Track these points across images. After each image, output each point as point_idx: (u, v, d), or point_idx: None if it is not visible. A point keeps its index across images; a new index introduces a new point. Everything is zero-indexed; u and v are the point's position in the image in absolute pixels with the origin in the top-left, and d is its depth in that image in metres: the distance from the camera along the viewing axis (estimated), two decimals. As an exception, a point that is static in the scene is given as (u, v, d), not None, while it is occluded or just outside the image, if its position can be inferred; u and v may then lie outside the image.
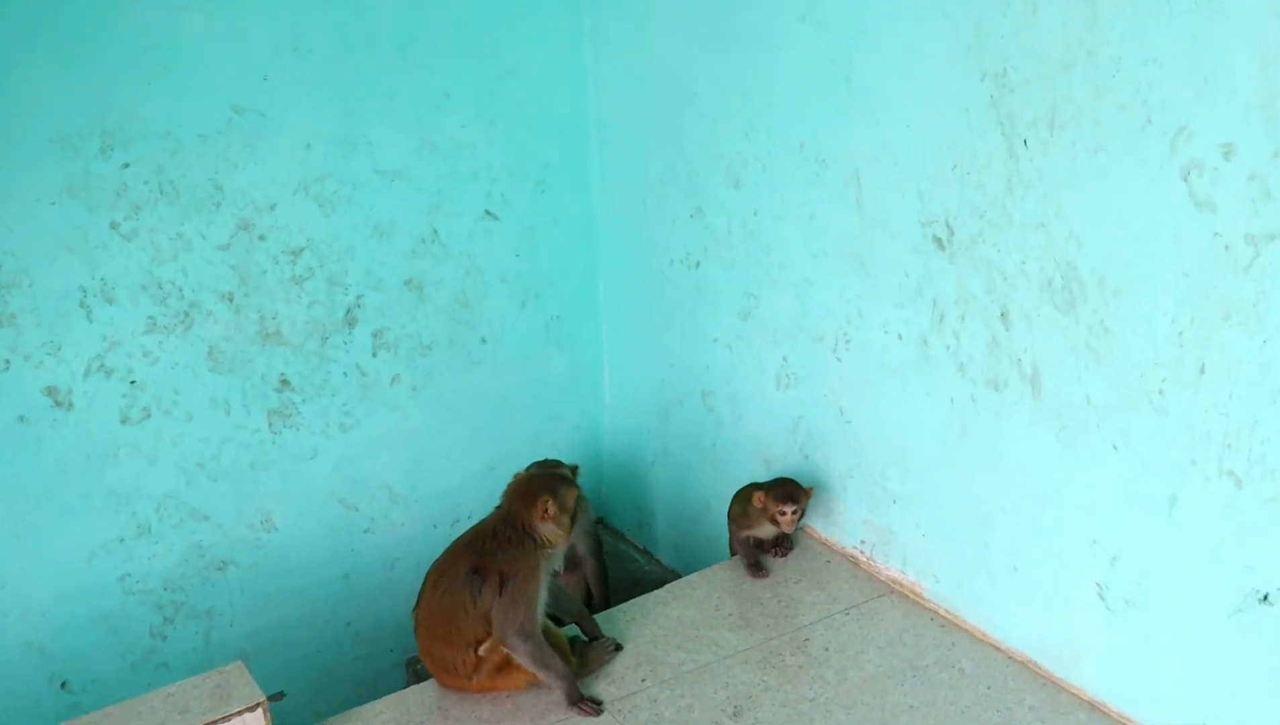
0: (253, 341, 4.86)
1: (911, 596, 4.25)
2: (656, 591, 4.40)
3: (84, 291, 4.48)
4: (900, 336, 4.05)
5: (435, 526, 5.51)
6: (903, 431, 4.15)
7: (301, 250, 4.87)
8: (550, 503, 3.81)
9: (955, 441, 3.93)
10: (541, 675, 3.76)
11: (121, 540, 4.76)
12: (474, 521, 5.21)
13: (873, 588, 4.31)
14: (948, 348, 3.88)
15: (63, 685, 4.76)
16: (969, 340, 3.80)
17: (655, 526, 5.74)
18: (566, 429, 5.84)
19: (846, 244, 4.19)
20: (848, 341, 4.28)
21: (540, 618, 3.77)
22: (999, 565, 3.89)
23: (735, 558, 4.59)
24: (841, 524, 4.54)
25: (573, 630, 4.15)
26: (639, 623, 4.21)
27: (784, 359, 4.61)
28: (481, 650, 3.76)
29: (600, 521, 6.09)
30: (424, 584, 3.92)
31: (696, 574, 4.50)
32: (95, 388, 4.58)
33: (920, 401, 4.04)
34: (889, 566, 4.35)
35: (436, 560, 3.94)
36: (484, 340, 5.41)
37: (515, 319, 5.49)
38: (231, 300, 4.77)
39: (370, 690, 5.48)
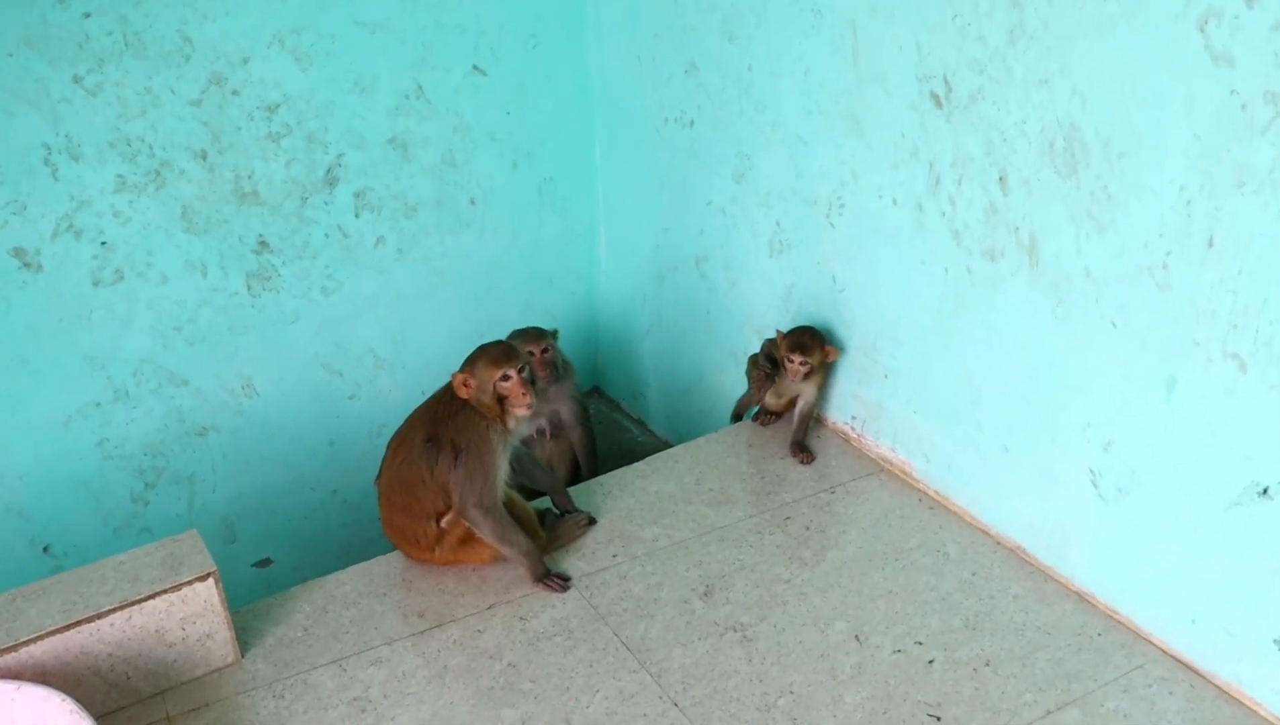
0: (228, 201, 4.59)
1: (900, 476, 4.00)
2: (637, 463, 4.17)
3: (48, 149, 4.19)
4: (895, 201, 3.73)
5: (423, 393, 5.14)
6: (896, 302, 3.85)
7: (278, 106, 4.56)
8: (467, 378, 3.55)
9: (949, 314, 3.63)
10: (504, 550, 3.56)
11: (98, 405, 4.58)
12: (465, 388, 5.09)
13: (861, 466, 4.06)
14: (943, 214, 3.55)
15: (45, 549, 4.63)
16: (965, 206, 3.48)
17: (649, 397, 5.51)
18: (560, 295, 5.56)
19: (841, 101, 3.84)
20: (841, 206, 3.96)
21: (501, 489, 3.54)
22: (990, 446, 3.62)
23: (730, 426, 4.36)
24: (832, 398, 4.28)
25: (546, 502, 3.97)
26: (615, 496, 4.00)
27: (777, 224, 4.30)
28: (444, 522, 3.56)
29: (596, 391, 5.85)
30: (385, 453, 3.71)
31: (680, 447, 4.27)
32: (64, 249, 4.34)
33: (914, 271, 3.73)
34: (879, 443, 4.09)
35: (398, 428, 3.73)
36: (473, 201, 5.12)
37: (506, 180, 5.18)
38: (205, 158, 4.49)
39: (358, 557, 5.33)
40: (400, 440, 3.65)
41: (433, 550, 3.60)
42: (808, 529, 3.74)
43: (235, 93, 4.44)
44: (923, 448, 3.88)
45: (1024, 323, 3.37)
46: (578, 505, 3.90)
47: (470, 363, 3.58)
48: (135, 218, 4.42)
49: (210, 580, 3.28)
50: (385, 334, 5.11)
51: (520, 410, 3.52)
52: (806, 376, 4.06)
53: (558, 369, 4.59)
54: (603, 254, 5.54)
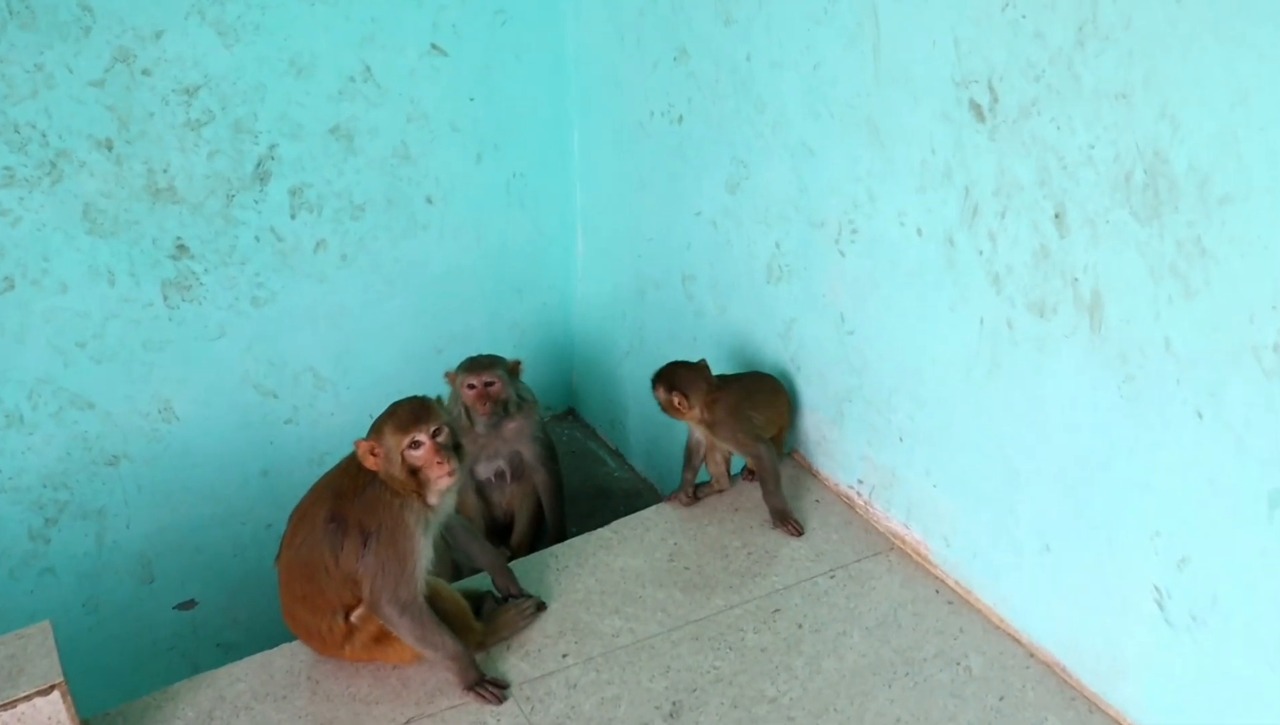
0: (139, 199, 3.85)
1: (914, 558, 3.27)
2: (601, 530, 3.44)
3: (-84, 134, 3.51)
4: (920, 231, 2.99)
5: (370, 416, 4.56)
6: (916, 353, 3.12)
7: (197, 89, 3.80)
8: (374, 446, 2.85)
9: (982, 375, 2.91)
10: (426, 653, 2.85)
11: (-13, 431, 3.92)
12: (420, 410, 4.38)
13: (867, 542, 3.33)
14: (980, 252, 2.82)
15: (-75, 592, 3.98)
16: (1009, 246, 2.74)
17: (628, 425, 4.78)
18: (530, 306, 4.81)
19: (857, 104, 3.09)
20: (854, 231, 3.23)
21: (421, 581, 2.82)
22: (1027, 538, 2.91)
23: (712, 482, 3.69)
24: (836, 456, 3.56)
25: (486, 580, 3.27)
26: (573, 573, 3.27)
27: (777, 246, 3.56)
28: (354, 617, 2.86)
29: (570, 413, 5.13)
30: (286, 528, 3.02)
31: (654, 509, 3.54)
32: (-60, 252, 3.66)
33: (941, 318, 2.99)
34: (890, 516, 3.38)
35: (302, 499, 3.04)
36: (430, 200, 4.37)
37: (469, 175, 4.43)
38: (110, 148, 3.75)
39: None
40: (301, 515, 2.95)
41: (341, 648, 2.91)
42: (800, 627, 3.02)
43: (146, 72, 3.70)
44: (943, 528, 3.17)
45: (1079, 398, 2.64)
46: (524, 586, 3.19)
47: (376, 427, 2.87)
48: (26, 217, 3.70)
49: (55, 694, 2.60)
50: (327, 351, 4.38)
51: (440, 482, 2.82)
52: (708, 419, 3.44)
53: (507, 406, 3.88)
54: (579, 261, 4.79)
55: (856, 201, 3.16)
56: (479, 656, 2.95)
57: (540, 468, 4.08)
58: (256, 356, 4.24)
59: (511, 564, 3.30)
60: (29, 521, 4.04)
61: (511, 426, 3.96)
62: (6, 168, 3.61)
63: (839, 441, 3.48)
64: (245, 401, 4.29)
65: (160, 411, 4.13)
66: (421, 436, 2.78)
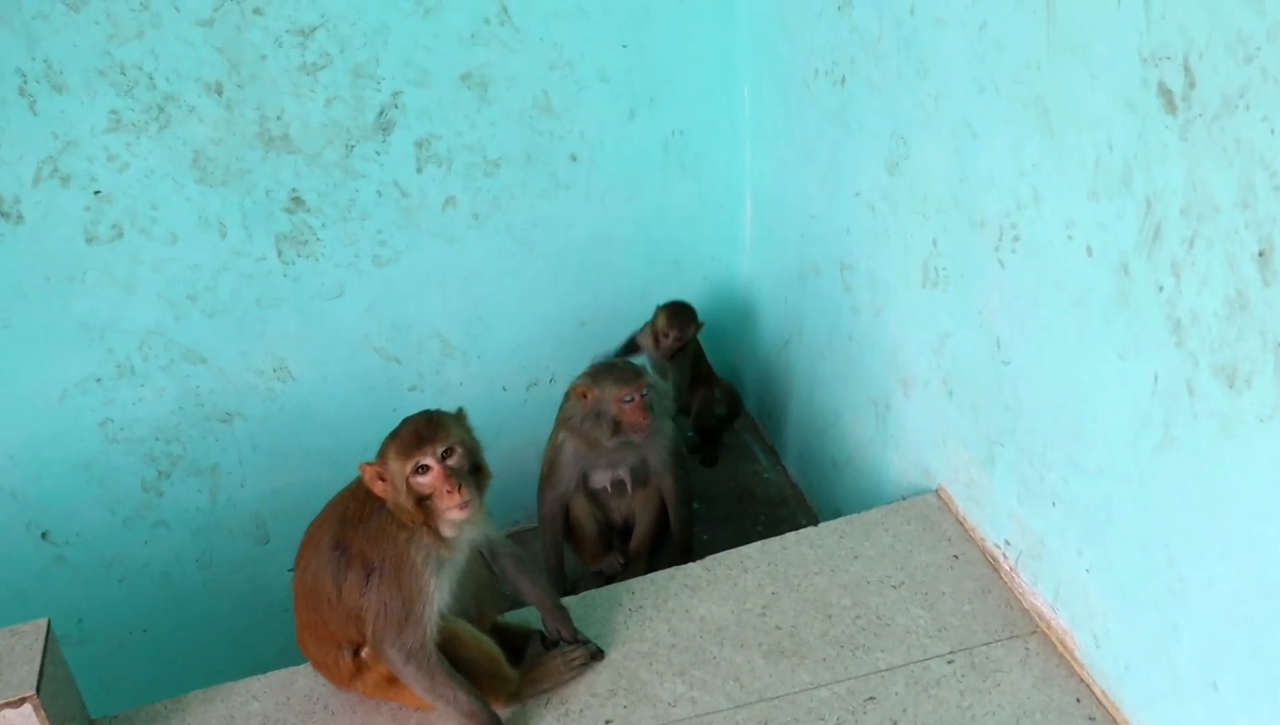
0: (252, 147, 3.55)
1: (1059, 649, 2.57)
2: (692, 566, 2.91)
3: (23, 75, 3.25)
4: (1089, 250, 2.27)
5: (505, 389, 4.21)
6: (1077, 403, 2.40)
7: (314, 30, 3.45)
8: (380, 470, 2.42)
9: (1151, 448, 2.17)
10: (436, 707, 2.43)
11: (99, 380, 3.71)
12: (559, 387, 3.97)
13: (1006, 619, 2.65)
14: (1160, 288, 2.10)
15: (43, 535, 3.85)
16: (1196, 285, 2.01)
17: (786, 422, 4.18)
18: (690, 280, 4.26)
19: (1026, 79, 2.38)
20: (1016, 238, 2.52)
21: (432, 626, 2.38)
22: (1190, 669, 2.17)
23: (840, 520, 3.09)
24: (984, 506, 2.87)
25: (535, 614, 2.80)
26: (644, 616, 2.75)
27: (934, 244, 2.89)
28: (363, 654, 2.47)
29: (732, 393, 4.60)
30: (302, 541, 2.66)
31: (758, 545, 2.97)
32: (49, 197, 3.41)
33: (1107, 364, 2.26)
34: (1036, 590, 2.68)
35: (321, 511, 2.66)
36: (574, 158, 3.89)
37: (620, 132, 3.90)
38: (220, 93, 3.46)
39: None
40: (310, 534, 2.56)
41: (352, 684, 2.54)
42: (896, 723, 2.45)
43: (258, 11, 3.37)
44: (1093, 624, 2.46)
45: (1272, 503, 1.91)
46: (583, 627, 2.72)
47: (382, 448, 2.45)
48: (134, 163, 3.47)
49: (27, 707, 2.34)
50: (456, 316, 4.01)
51: (452, 514, 2.37)
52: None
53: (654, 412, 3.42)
54: (748, 234, 4.21)
55: (1020, 200, 2.46)
56: (508, 711, 2.52)
57: (666, 473, 3.56)
58: (378, 318, 3.92)
59: (578, 598, 2.83)
60: (142, 473, 3.89)
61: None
62: (113, 111, 3.37)
63: (988, 489, 2.81)
64: (366, 365, 3.98)
65: (275, 370, 3.88)
66: (428, 460, 2.34)
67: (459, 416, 2.51)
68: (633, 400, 3.33)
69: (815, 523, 3.88)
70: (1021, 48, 2.36)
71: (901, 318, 3.12)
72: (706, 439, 4.26)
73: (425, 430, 2.38)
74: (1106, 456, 2.31)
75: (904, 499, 3.10)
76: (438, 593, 2.38)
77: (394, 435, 2.42)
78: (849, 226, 3.34)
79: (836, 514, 3.75)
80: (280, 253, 3.70)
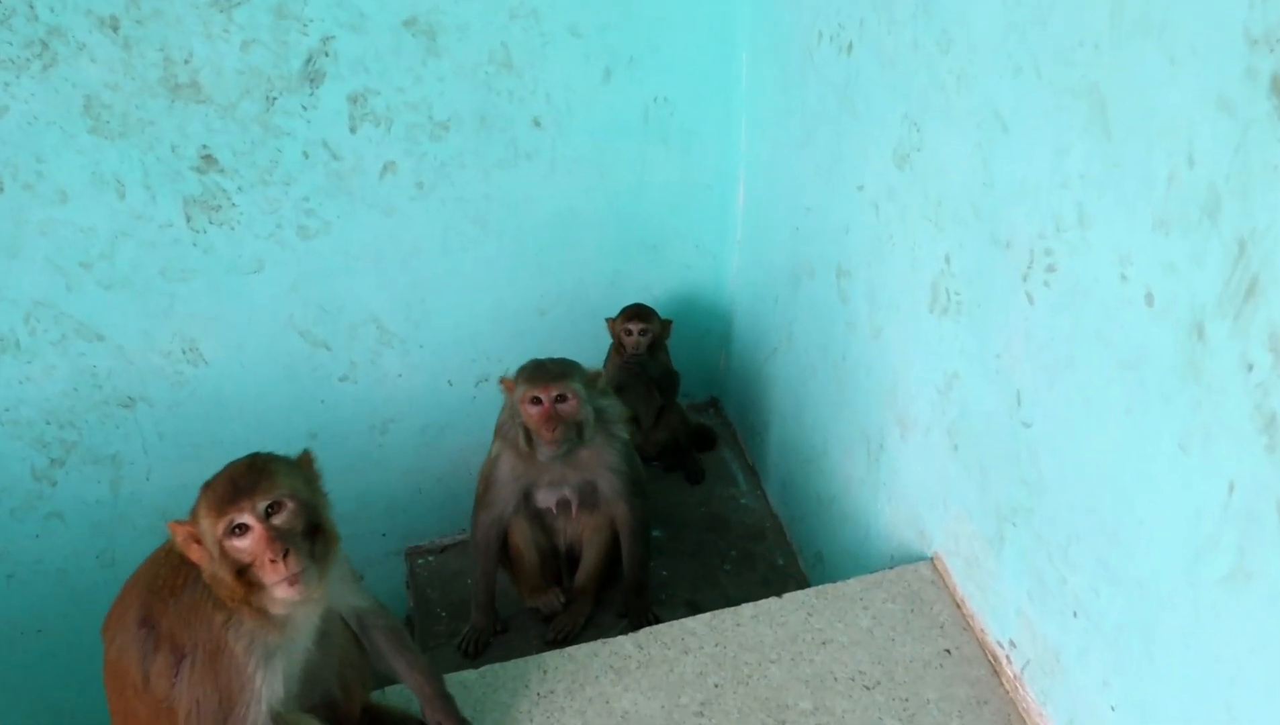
0: (155, 95, 2.96)
1: (1070, 797, 2.06)
2: (623, 640, 2.32)
3: (-126, -5, 2.74)
4: (1150, 298, 1.67)
5: (450, 383, 3.63)
6: (1116, 495, 1.81)
7: (228, -44, 2.91)
8: (191, 530, 1.83)
9: (1218, 577, 1.56)
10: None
11: (-21, 354, 3.23)
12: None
13: (1003, 744, 2.14)
14: (1250, 367, 1.48)
15: (-83, 526, 3.39)
16: (1300, 367, 1.45)
17: (769, 441, 3.57)
18: (669, 267, 3.66)
19: (1079, 60, 1.76)
20: (1051, 267, 1.92)
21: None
22: None
23: (814, 589, 2.49)
24: (987, 592, 2.28)
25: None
26: (553, 704, 2.17)
27: (946, 260, 2.29)
28: (184, 756, 1.97)
29: (713, 403, 4.02)
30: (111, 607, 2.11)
31: (704, 618, 2.36)
32: (-88, 141, 2.92)
33: (1164, 456, 1.66)
34: (1045, 713, 2.08)
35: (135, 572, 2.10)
36: (537, 122, 3.28)
37: (592, 95, 3.29)
38: (116, 29, 2.86)
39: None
40: (118, 601, 1.99)
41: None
42: None
43: (159, -70, 2.82)
44: (1120, 773, 1.93)
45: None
46: (474, 714, 2.15)
47: (196, 500, 1.90)
48: (14, 106, 2.89)
49: None
50: (394, 298, 3.42)
51: (279, 591, 1.81)
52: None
53: (581, 430, 2.79)
54: (739, 219, 3.60)
55: (1060, 220, 1.86)
56: (373, 827, 1.99)
57: (618, 499, 2.98)
58: (304, 298, 3.34)
59: (478, 673, 2.25)
60: (31, 459, 3.35)
61: (585, 454, 2.89)
62: (-14, 44, 2.83)
63: (994, 574, 2.24)
64: (289, 350, 3.41)
65: (184, 352, 3.32)
66: (246, 517, 1.77)
67: (301, 462, 1.95)
68: (540, 404, 2.74)
69: (794, 563, 3.34)
70: (1074, 19, 1.76)
71: (903, 344, 2.52)
72: (676, 458, 3.71)
73: (244, 479, 1.82)
74: (1151, 572, 1.73)
75: (892, 565, 2.53)
76: (266, 687, 1.83)
77: (208, 484, 1.86)
78: (848, 225, 2.74)
79: (817, 558, 3.19)
80: (189, 219, 3.13)
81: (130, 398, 3.33)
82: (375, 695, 2.21)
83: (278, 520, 1.78)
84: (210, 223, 3.15)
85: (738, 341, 3.73)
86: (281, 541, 1.75)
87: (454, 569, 3.63)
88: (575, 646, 2.31)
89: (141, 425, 3.39)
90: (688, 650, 2.29)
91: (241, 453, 3.46)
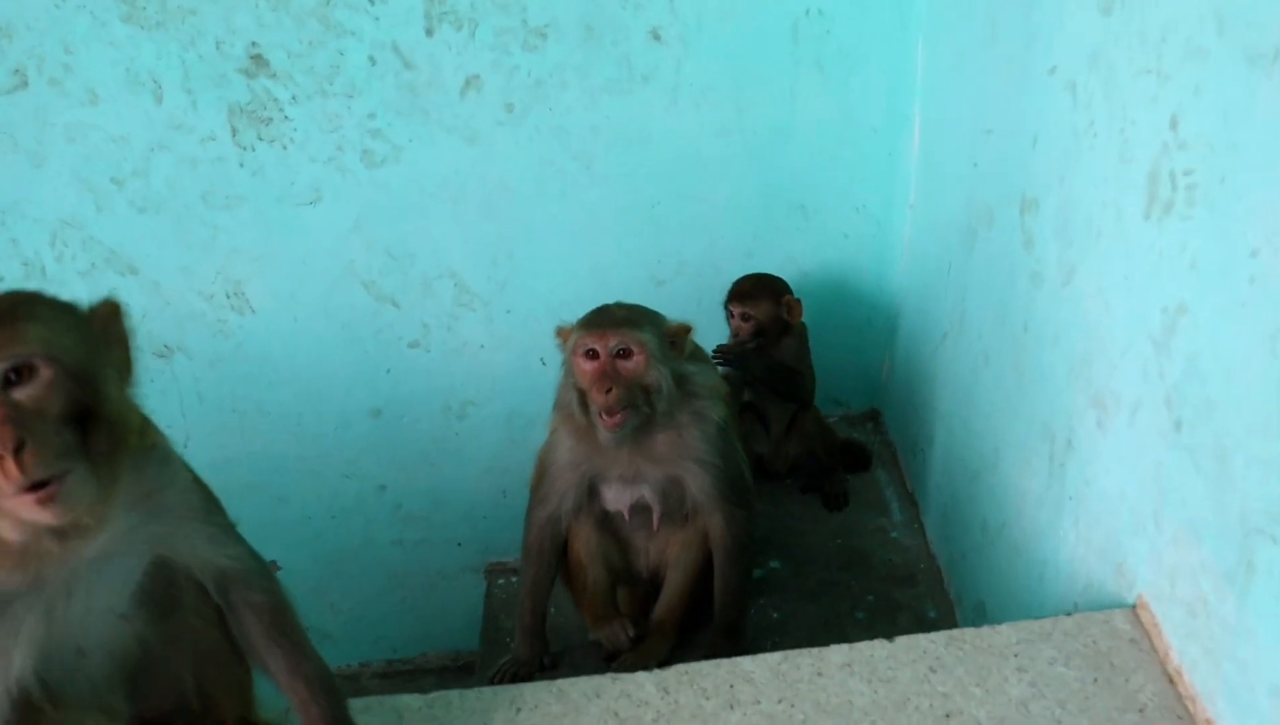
0: (198, -25, 2.54)
1: None
2: (640, 678, 1.53)
3: None
4: None
5: (544, 362, 2.93)
6: None
7: None
8: None
9: None
10: None
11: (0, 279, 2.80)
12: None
13: None
14: None
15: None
16: None
17: (930, 458, 2.70)
18: (822, 234, 2.86)
19: None
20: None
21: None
22: None
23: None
24: (1217, 654, 1.37)
25: None
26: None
27: (1173, 125, 1.41)
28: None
29: (872, 416, 3.19)
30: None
31: (773, 659, 1.54)
32: (-74, 22, 2.53)
33: None
34: None
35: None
36: (657, 36, 2.60)
37: (728, 3, 2.67)
38: (156, -111, 2.45)
39: (421, 594, 3.25)
40: None
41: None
42: None
43: None
44: None
45: None
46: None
47: None
48: (39, -16, 2.51)
49: None
50: (477, 250, 2.79)
51: (15, 503, 1.11)
52: None
53: (651, 400, 2.08)
54: (914, 172, 2.81)
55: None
56: None
57: (714, 508, 2.22)
58: (368, 240, 2.76)
59: (424, 700, 1.56)
60: (57, 415, 2.93)
61: (664, 439, 2.16)
62: (9, -98, 2.41)
63: (1232, 628, 1.36)
64: (351, 303, 2.83)
65: (229, 295, 2.80)
66: None
67: (95, 313, 1.31)
68: (596, 358, 2.06)
69: (949, 615, 2.49)
70: None
71: (1105, 283, 1.69)
72: (814, 476, 2.92)
73: None
74: None
75: (1072, 611, 1.70)
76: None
77: None
78: (1036, 134, 1.92)
79: (979, 609, 2.33)
80: (235, 132, 2.61)
81: (167, 347, 2.83)
82: (272, 716, 1.55)
83: (21, 394, 1.15)
84: (259, 139, 2.62)
85: (904, 334, 2.91)
86: (16, 427, 1.12)
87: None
88: (571, 680, 1.58)
89: (180, 381, 2.88)
90: (735, 704, 1.52)
91: (289, 427, 2.95)
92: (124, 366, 1.31)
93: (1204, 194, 1.38)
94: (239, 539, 1.45)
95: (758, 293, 2.71)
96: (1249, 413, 1.30)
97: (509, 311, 2.86)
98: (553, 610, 2.49)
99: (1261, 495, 1.28)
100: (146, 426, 1.34)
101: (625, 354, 2.06)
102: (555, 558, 2.34)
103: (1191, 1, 1.37)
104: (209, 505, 1.43)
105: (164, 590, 1.38)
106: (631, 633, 2.35)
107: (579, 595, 2.41)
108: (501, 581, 3.08)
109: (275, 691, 1.47)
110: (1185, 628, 1.48)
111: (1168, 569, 1.51)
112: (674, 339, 2.13)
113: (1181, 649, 1.48)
